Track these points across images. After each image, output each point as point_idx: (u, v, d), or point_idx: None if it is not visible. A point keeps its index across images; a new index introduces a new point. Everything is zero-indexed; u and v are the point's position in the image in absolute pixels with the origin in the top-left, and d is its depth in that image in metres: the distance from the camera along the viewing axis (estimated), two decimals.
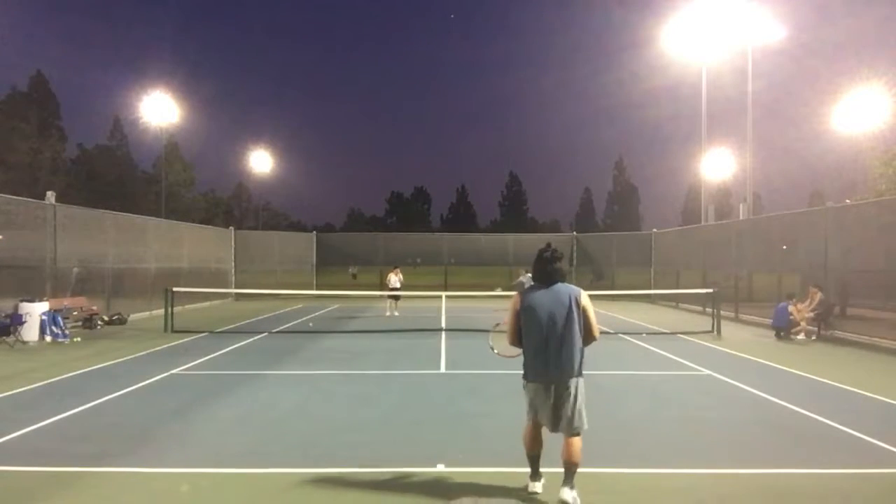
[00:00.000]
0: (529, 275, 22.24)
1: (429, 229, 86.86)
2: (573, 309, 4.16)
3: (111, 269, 17.04)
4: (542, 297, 4.22)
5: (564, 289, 4.24)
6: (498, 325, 6.09)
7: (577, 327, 4.16)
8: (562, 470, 4.22)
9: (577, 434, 4.22)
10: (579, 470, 4.36)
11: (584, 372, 4.25)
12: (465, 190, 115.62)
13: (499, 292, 22.33)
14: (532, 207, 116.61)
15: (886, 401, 7.47)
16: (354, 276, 36.34)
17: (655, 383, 8.60)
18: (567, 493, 4.10)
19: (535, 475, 4.39)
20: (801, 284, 15.25)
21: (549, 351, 4.14)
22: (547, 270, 4.28)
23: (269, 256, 28.02)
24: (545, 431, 4.41)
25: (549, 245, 4.45)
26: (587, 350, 4.33)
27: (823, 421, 6.46)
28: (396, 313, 19.60)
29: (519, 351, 4.47)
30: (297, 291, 25.26)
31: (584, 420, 4.24)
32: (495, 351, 5.94)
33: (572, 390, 4.17)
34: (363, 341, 13.11)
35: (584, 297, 4.27)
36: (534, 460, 4.39)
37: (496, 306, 22.36)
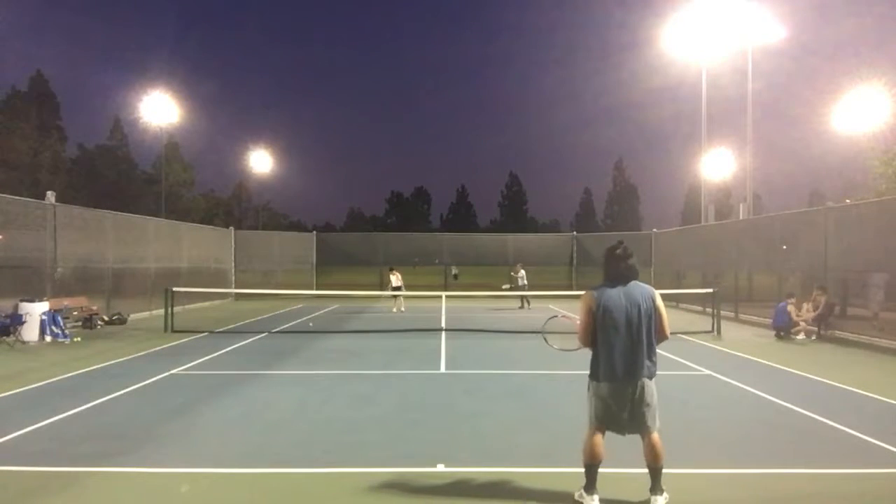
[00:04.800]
0: (523, 272, 22.31)
1: (429, 229, 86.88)
2: (650, 307, 4.11)
3: (111, 269, 17.03)
4: (618, 297, 4.11)
5: (639, 288, 4.17)
6: (555, 317, 5.97)
7: (652, 327, 4.12)
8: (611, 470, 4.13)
9: (655, 432, 4.17)
10: (575, 470, 4.33)
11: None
12: (465, 190, 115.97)
13: (505, 290, 22.24)
14: (532, 207, 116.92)
15: (886, 401, 7.46)
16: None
17: (655, 383, 8.59)
18: (660, 501, 4.08)
19: (592, 487, 4.17)
20: (801, 284, 15.25)
21: (627, 351, 4.07)
22: (621, 268, 4.18)
23: (269, 256, 28.02)
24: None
25: (620, 242, 4.30)
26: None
27: (823, 421, 6.45)
28: (403, 309, 19.76)
29: (578, 346, 4.38)
30: (297, 291, 25.26)
31: (658, 420, 4.21)
32: (555, 347, 5.89)
33: (648, 391, 4.15)
34: (363, 341, 13.11)
35: (658, 296, 4.21)
36: (592, 471, 4.20)
37: (497, 306, 22.40)
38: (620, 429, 4.20)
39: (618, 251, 4.22)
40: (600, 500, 4.16)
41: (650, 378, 4.15)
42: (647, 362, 4.10)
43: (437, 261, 30.25)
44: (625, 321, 4.07)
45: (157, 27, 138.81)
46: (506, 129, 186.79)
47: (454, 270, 32.83)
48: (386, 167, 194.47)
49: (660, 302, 4.20)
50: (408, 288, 20.81)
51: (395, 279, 20.25)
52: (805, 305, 13.48)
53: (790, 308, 13.24)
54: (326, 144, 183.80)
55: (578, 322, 4.31)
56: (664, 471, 4.20)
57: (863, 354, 11.41)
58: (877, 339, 12.26)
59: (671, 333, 4.35)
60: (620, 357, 4.07)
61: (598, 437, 4.21)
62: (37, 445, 5.62)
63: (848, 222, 13.64)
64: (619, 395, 4.12)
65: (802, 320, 13.18)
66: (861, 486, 4.72)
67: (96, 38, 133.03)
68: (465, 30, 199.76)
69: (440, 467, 4.96)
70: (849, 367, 10.05)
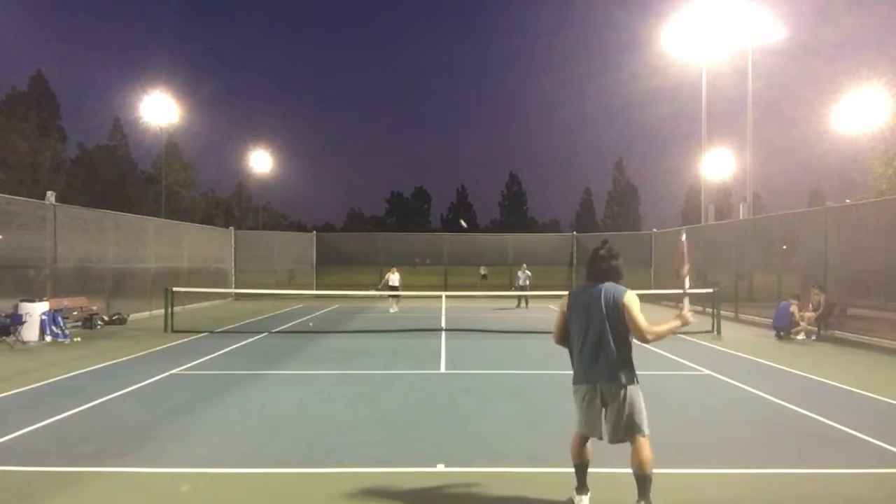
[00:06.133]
0: (529, 272, 22.47)
1: (429, 229, 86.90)
2: (613, 309, 3.93)
3: (111, 269, 17.02)
4: (585, 296, 4.05)
5: (609, 288, 4.00)
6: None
7: (617, 328, 3.93)
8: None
9: (638, 437, 3.93)
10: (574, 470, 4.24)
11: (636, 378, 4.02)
12: (465, 190, 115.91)
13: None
14: (532, 207, 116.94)
15: (886, 401, 7.46)
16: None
17: (655, 383, 8.55)
18: None
19: (582, 488, 4.11)
20: (801, 284, 15.25)
21: (593, 353, 3.96)
22: (601, 269, 4.08)
23: (269, 256, 28.01)
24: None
25: (605, 242, 4.20)
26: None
27: (823, 421, 6.45)
28: (396, 309, 19.80)
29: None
30: (297, 291, 25.25)
31: (643, 426, 3.95)
32: None
33: (626, 396, 3.92)
34: (363, 341, 13.11)
35: (628, 296, 3.98)
36: (580, 471, 4.13)
37: (497, 305, 22.39)
38: (598, 431, 4.05)
39: (601, 251, 4.13)
40: (600, 501, 4.15)
41: (628, 382, 3.94)
42: (618, 365, 3.92)
43: (427, 260, 30.25)
44: (590, 322, 3.98)
45: (157, 27, 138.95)
46: (506, 129, 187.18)
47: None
48: (386, 167, 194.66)
49: (629, 301, 3.95)
50: (408, 288, 20.79)
51: (394, 278, 20.27)
52: (808, 310, 13.43)
53: (793, 308, 13.22)
54: (326, 144, 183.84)
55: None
56: (663, 471, 4.19)
57: (863, 354, 11.41)
58: (877, 339, 12.27)
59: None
60: (587, 358, 3.99)
61: (583, 439, 4.14)
62: (37, 445, 5.62)
63: (848, 222, 13.64)
64: (591, 398, 4.01)
65: (804, 321, 13.16)
66: (861, 486, 4.71)
67: (96, 38, 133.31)
68: (466, 30, 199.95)
69: (440, 467, 4.96)
70: (849, 367, 10.05)
